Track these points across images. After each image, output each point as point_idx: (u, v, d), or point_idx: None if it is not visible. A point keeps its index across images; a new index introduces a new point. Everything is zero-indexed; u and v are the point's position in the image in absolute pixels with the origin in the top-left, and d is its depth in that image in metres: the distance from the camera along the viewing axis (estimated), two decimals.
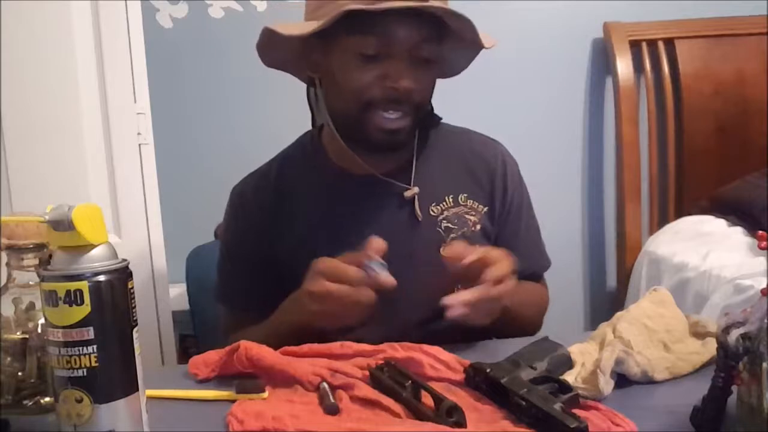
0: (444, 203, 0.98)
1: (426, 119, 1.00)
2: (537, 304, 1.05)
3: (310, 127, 1.05)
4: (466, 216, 0.98)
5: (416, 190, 0.96)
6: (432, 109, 1.02)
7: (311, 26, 0.87)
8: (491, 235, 1.01)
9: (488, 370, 0.67)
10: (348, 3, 0.83)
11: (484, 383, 0.67)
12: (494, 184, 1.01)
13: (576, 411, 0.58)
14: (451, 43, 0.93)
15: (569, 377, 0.69)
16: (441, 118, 1.04)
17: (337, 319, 0.81)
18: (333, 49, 0.90)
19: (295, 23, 0.91)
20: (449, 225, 0.97)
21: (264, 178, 1.02)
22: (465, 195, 0.99)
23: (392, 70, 0.87)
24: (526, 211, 1.06)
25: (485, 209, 1.00)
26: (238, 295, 1.00)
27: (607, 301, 2.18)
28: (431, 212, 0.97)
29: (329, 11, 0.85)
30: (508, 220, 1.02)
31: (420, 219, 0.96)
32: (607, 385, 0.66)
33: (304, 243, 0.94)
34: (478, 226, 0.99)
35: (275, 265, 0.96)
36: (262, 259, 0.98)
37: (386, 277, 0.77)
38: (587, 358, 0.72)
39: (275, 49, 0.93)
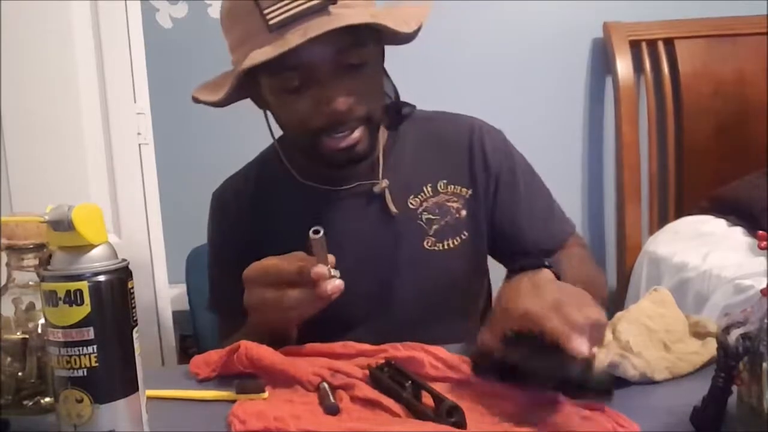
0: (423, 194, 0.95)
1: (394, 113, 0.97)
2: (586, 262, 1.00)
3: None
4: (448, 204, 0.95)
5: (385, 183, 0.93)
6: (398, 98, 0.97)
7: (224, 89, 0.84)
8: (480, 217, 0.97)
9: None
10: (251, 49, 0.79)
11: (494, 368, 0.67)
12: (473, 161, 0.97)
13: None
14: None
15: None
16: (414, 107, 0.99)
17: (283, 323, 0.79)
18: (262, 88, 0.88)
19: (216, 83, 0.89)
20: (430, 216, 0.94)
21: (243, 181, 1.02)
22: (444, 181, 0.95)
23: (322, 96, 0.82)
24: (524, 178, 0.99)
25: (469, 192, 0.96)
26: (227, 300, 0.96)
27: (607, 301, 2.18)
28: (410, 205, 0.94)
29: (238, 60, 0.83)
30: (500, 192, 0.97)
31: (393, 214, 0.93)
32: None
33: (284, 246, 0.85)
34: (463, 212, 0.95)
35: None
36: (246, 262, 0.96)
37: (333, 286, 0.70)
38: None
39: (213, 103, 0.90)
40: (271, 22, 0.78)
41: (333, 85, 0.82)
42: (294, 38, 0.77)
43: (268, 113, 0.95)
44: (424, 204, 0.95)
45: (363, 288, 0.93)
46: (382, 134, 0.96)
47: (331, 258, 0.72)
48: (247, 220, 0.98)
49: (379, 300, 0.95)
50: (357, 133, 0.86)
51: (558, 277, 0.73)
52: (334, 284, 0.70)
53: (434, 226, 0.94)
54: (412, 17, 0.86)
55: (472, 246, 0.96)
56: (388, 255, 0.94)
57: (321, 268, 0.70)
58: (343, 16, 0.79)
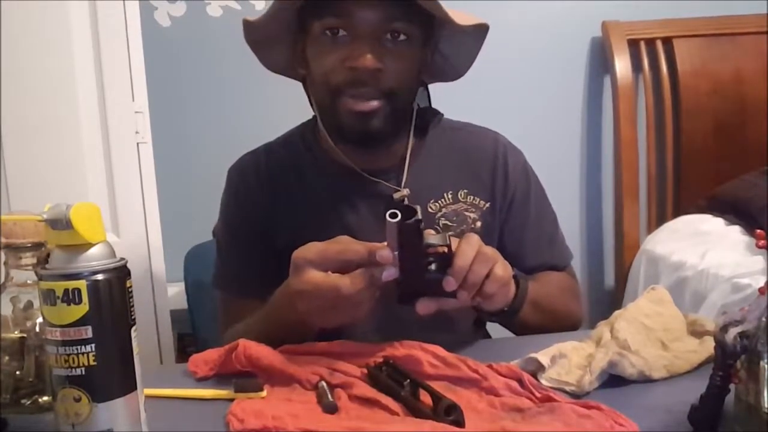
0: (443, 200, 0.97)
1: (423, 118, 0.99)
2: (567, 291, 1.02)
3: None
4: (466, 213, 0.97)
5: (406, 192, 0.94)
6: (430, 104, 1.01)
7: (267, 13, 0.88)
8: (494, 231, 0.99)
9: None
10: None
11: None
12: (495, 176, 0.99)
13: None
14: (438, 30, 0.92)
15: (554, 370, 0.69)
16: (442, 115, 1.02)
17: (335, 317, 0.74)
18: (308, 38, 0.90)
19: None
20: (447, 222, 0.96)
21: (264, 157, 1.02)
22: (465, 191, 0.98)
23: (354, 51, 0.85)
24: (536, 201, 1.02)
25: (487, 205, 0.98)
26: (237, 276, 0.98)
27: (605, 300, 2.19)
28: (429, 209, 0.96)
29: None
30: (513, 210, 1.00)
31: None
32: (590, 384, 0.66)
33: (297, 235, 0.83)
34: (479, 223, 0.97)
35: (274, 251, 0.93)
36: (261, 239, 0.96)
37: (387, 273, 0.68)
38: (579, 353, 0.72)
39: (268, 48, 0.93)
40: None
41: (367, 46, 0.85)
42: None
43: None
44: (443, 210, 0.96)
45: None
46: (410, 140, 0.98)
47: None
48: (266, 196, 0.98)
49: (386, 299, 0.95)
50: (375, 103, 0.87)
51: (517, 283, 0.83)
52: (389, 272, 0.68)
53: (449, 233, 0.95)
54: (467, 18, 0.89)
55: None
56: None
57: (387, 252, 0.67)
58: None
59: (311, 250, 0.72)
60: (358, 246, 0.71)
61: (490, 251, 0.73)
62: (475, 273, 0.70)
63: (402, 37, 0.87)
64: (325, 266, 0.71)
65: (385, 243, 0.69)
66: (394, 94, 0.89)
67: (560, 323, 0.92)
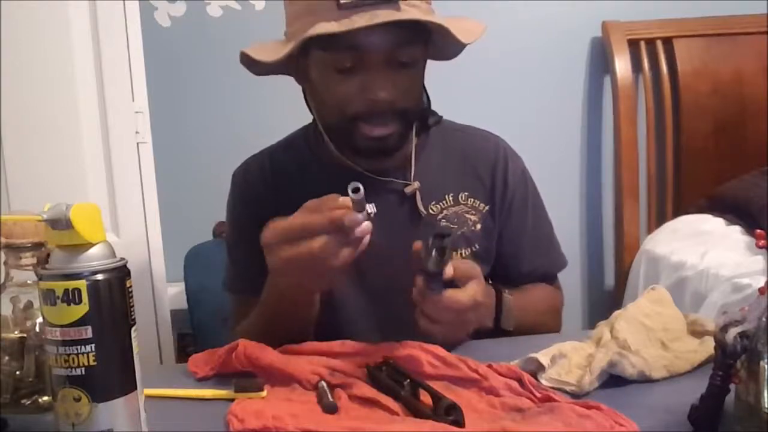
0: (444, 202, 0.97)
1: (423, 118, 1.00)
2: (547, 308, 1.03)
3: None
4: (466, 215, 0.98)
5: (417, 185, 0.95)
6: (429, 106, 1.01)
7: (281, 51, 0.86)
8: (493, 234, 1.00)
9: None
10: (316, 21, 0.82)
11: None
12: (495, 179, 1.00)
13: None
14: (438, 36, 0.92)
15: (554, 370, 0.69)
16: (441, 117, 1.03)
17: (314, 283, 0.75)
18: (312, 63, 0.90)
19: (270, 44, 0.90)
20: (448, 224, 0.97)
21: (269, 160, 1.02)
22: (466, 193, 0.98)
23: (369, 83, 0.85)
24: (534, 208, 1.03)
25: (486, 208, 0.99)
26: (248, 278, 0.98)
27: (605, 300, 2.19)
28: (431, 210, 0.96)
29: (299, 30, 0.84)
30: (511, 216, 1.01)
31: (423, 214, 0.95)
32: (590, 384, 0.67)
33: None
34: (479, 226, 0.98)
35: None
36: None
37: (361, 228, 0.69)
38: (579, 353, 0.72)
39: (259, 66, 0.93)
40: (342, 1, 0.81)
41: (380, 77, 0.85)
42: (361, 20, 0.80)
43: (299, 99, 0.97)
44: (444, 211, 0.97)
45: (375, 284, 0.94)
46: (413, 141, 0.99)
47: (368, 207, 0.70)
48: (272, 198, 0.98)
49: (387, 298, 0.95)
50: (391, 127, 0.88)
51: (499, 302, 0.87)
52: (363, 227, 0.68)
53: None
54: (471, 31, 0.89)
55: (481, 259, 0.98)
56: (402, 255, 0.95)
57: (355, 215, 0.67)
58: (411, 12, 0.83)
59: (275, 227, 0.73)
60: (320, 218, 0.69)
61: (472, 318, 0.77)
62: (440, 315, 0.74)
63: (410, 59, 0.87)
64: (294, 240, 0.71)
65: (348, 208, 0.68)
66: (408, 112, 0.91)
67: (536, 333, 0.94)
